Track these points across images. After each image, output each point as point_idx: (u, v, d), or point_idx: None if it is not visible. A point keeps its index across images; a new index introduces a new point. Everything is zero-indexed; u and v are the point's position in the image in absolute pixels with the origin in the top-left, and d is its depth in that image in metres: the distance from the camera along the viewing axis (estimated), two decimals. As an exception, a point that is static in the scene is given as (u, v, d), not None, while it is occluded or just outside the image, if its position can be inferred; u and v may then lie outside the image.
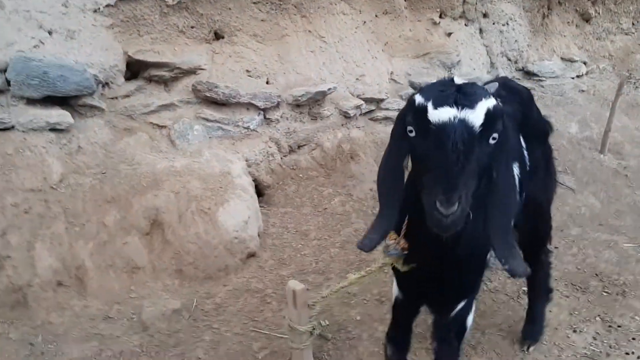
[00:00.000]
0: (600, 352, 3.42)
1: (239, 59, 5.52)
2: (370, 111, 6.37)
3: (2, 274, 3.64)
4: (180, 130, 4.95)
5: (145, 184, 4.36)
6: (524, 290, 3.88)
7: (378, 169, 2.24)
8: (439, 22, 7.30)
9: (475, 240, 2.13)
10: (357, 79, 6.33)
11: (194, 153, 4.87)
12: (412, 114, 1.85)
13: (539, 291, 3.45)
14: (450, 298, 2.43)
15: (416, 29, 7.10)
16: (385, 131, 6.32)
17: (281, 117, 5.65)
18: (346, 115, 6.04)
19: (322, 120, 5.90)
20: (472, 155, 1.72)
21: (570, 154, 6.67)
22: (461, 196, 1.68)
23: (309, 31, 6.08)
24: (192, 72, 5.21)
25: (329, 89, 5.82)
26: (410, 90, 6.49)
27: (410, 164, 2.02)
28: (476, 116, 1.73)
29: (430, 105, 1.76)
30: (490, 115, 1.76)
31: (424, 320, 3.27)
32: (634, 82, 8.93)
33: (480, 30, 7.94)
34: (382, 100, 6.35)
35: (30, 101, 4.23)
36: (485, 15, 7.89)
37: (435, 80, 1.97)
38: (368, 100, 6.26)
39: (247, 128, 5.36)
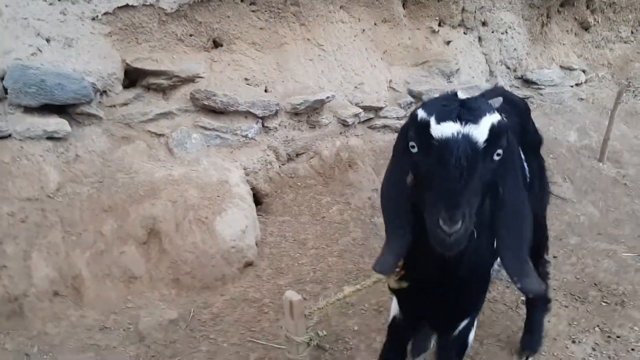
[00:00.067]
0: (600, 363, 3.41)
1: (238, 67, 5.52)
2: (369, 119, 6.36)
3: (-2, 284, 3.62)
4: (178, 138, 4.94)
5: (143, 192, 4.34)
6: (522, 300, 3.87)
7: (381, 185, 2.19)
8: (438, 31, 7.31)
9: (479, 258, 2.09)
10: (355, 87, 6.33)
11: (192, 162, 4.86)
12: (415, 128, 1.81)
13: (537, 301, 3.43)
14: (453, 317, 2.38)
15: (415, 37, 7.11)
16: (383, 139, 6.32)
17: (279, 125, 5.64)
18: (345, 124, 6.03)
19: (320, 128, 5.90)
20: (475, 171, 1.68)
21: (569, 163, 6.66)
22: (465, 214, 1.64)
23: (308, 39, 6.08)
24: (190, 80, 5.20)
25: (328, 98, 5.82)
26: (409, 99, 6.54)
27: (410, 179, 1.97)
28: (480, 132, 1.70)
29: (433, 120, 1.73)
30: (494, 130, 1.72)
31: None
32: (633, 91, 8.94)
33: (479, 39, 7.95)
34: (380, 108, 6.35)
35: (28, 109, 4.22)
36: (484, 24, 7.90)
37: (438, 95, 1.94)
38: (367, 109, 6.25)
39: (246, 136, 5.35)
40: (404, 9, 6.97)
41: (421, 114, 1.79)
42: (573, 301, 4.08)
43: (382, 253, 2.11)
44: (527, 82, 8.34)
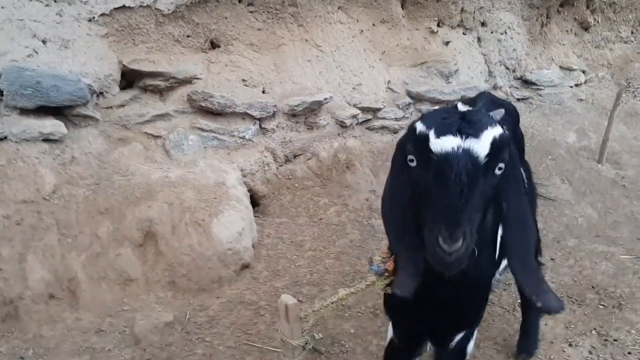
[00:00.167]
0: (596, 367, 3.40)
1: (235, 68, 5.50)
2: (367, 120, 6.35)
3: (-7, 287, 3.61)
4: (175, 140, 4.93)
5: (139, 194, 4.33)
6: (519, 302, 3.86)
7: (381, 201, 2.12)
8: (437, 31, 7.30)
9: (480, 274, 2.03)
10: (353, 88, 6.32)
11: (189, 163, 4.85)
12: (413, 142, 1.75)
13: (531, 305, 3.42)
14: (452, 331, 2.33)
15: (414, 37, 7.09)
16: (382, 140, 6.31)
17: (277, 126, 5.63)
18: (342, 125, 6.02)
19: (318, 129, 5.89)
20: (476, 187, 1.63)
21: (567, 164, 6.64)
22: (465, 232, 1.57)
23: (306, 40, 6.07)
24: (187, 81, 5.19)
25: (325, 99, 5.80)
26: (408, 100, 6.54)
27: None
28: (481, 146, 1.64)
29: (432, 134, 1.67)
30: (496, 144, 1.66)
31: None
32: (633, 91, 8.92)
33: (479, 39, 7.93)
34: (378, 109, 6.33)
35: (24, 111, 4.21)
36: (483, 24, 7.88)
37: (437, 107, 1.89)
38: (365, 110, 6.24)
39: (243, 138, 5.34)
40: (402, 9, 6.95)
41: (420, 127, 1.73)
42: (570, 304, 4.06)
43: (400, 274, 2.02)
44: (527, 83, 8.32)
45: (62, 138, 4.35)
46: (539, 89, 8.31)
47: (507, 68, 8.24)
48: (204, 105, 5.12)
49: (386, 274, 2.16)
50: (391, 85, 6.72)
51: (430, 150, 1.66)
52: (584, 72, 8.92)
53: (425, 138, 1.68)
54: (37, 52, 4.34)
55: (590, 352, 3.52)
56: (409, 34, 7.06)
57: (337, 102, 6.09)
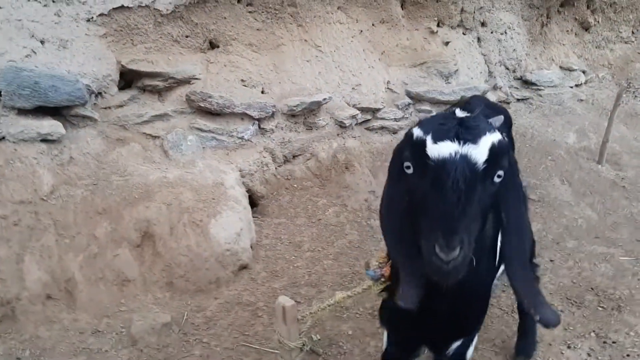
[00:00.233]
0: (595, 369, 3.39)
1: (234, 69, 5.49)
2: (366, 121, 6.33)
3: (-10, 287, 3.61)
4: (173, 140, 4.92)
5: (137, 195, 4.33)
6: (517, 304, 3.84)
7: (379, 210, 2.08)
8: (437, 31, 7.28)
9: (479, 282, 1.99)
10: (353, 88, 6.30)
11: (187, 164, 4.84)
12: (410, 148, 1.71)
13: None
14: (450, 339, 2.29)
15: (413, 38, 7.07)
16: (381, 141, 6.30)
17: (276, 127, 5.62)
18: (342, 125, 6.01)
19: (317, 130, 5.88)
20: (474, 195, 1.59)
21: (567, 165, 6.62)
22: (463, 240, 1.53)
23: (305, 40, 6.06)
24: (186, 81, 5.19)
25: (324, 99, 5.79)
26: (407, 100, 6.53)
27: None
28: (479, 152, 1.60)
29: (429, 139, 1.63)
30: (494, 151, 1.62)
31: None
32: (633, 92, 8.90)
33: (478, 39, 7.91)
34: (378, 109, 6.32)
35: (22, 111, 4.20)
36: (483, 24, 7.86)
37: (435, 113, 1.87)
38: (364, 110, 6.23)
39: (242, 138, 5.33)
40: (402, 9, 6.93)
41: (417, 132, 1.69)
42: (569, 306, 4.05)
43: (402, 286, 1.95)
44: (527, 83, 8.30)
45: (60, 138, 4.35)
46: (539, 89, 8.29)
47: (507, 68, 8.22)
48: (202, 105, 5.11)
49: (382, 279, 2.14)
50: (390, 86, 6.70)
51: (427, 156, 1.63)
52: (584, 72, 8.90)
53: (422, 144, 1.65)
54: (35, 53, 4.33)
55: (589, 355, 3.51)
56: (409, 34, 7.04)
57: (337, 103, 6.07)
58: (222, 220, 4.39)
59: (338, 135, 6.04)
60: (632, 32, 9.48)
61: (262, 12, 5.68)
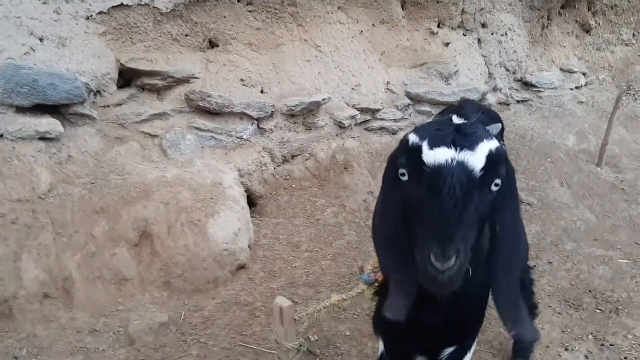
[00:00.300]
0: (592, 372, 3.39)
1: (234, 68, 5.48)
2: (366, 121, 6.33)
3: (-13, 286, 3.59)
4: (172, 139, 4.91)
5: (135, 194, 4.32)
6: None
7: (372, 220, 2.05)
8: (437, 32, 7.27)
9: (475, 293, 1.94)
10: (352, 88, 6.30)
11: (186, 163, 4.83)
12: (405, 154, 1.68)
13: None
14: (446, 347, 2.24)
15: (414, 38, 7.07)
16: (380, 141, 6.30)
17: (275, 126, 5.61)
18: (341, 125, 6.01)
19: (316, 130, 5.87)
20: (471, 202, 1.55)
21: (567, 167, 6.62)
22: (459, 249, 1.50)
23: (305, 40, 6.05)
24: (185, 80, 5.18)
25: (324, 99, 5.79)
26: (407, 101, 6.53)
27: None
28: (476, 159, 1.57)
29: (425, 145, 1.60)
30: (492, 158, 1.59)
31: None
32: (633, 94, 8.89)
33: (479, 40, 7.90)
34: (377, 110, 6.32)
35: (20, 109, 4.19)
36: (483, 25, 7.86)
37: (431, 120, 1.82)
38: (363, 110, 6.22)
39: (240, 138, 5.32)
40: (402, 10, 6.93)
41: (412, 138, 1.66)
42: (567, 308, 4.05)
43: (392, 298, 1.91)
44: (527, 85, 8.30)
45: (59, 136, 4.34)
46: (539, 91, 8.29)
47: (507, 70, 8.21)
48: (201, 104, 5.10)
49: (376, 283, 2.12)
50: (390, 86, 6.70)
51: (423, 162, 1.59)
52: (584, 74, 8.90)
53: (418, 149, 1.62)
54: (34, 50, 4.32)
55: (587, 357, 3.51)
56: (409, 35, 7.04)
57: (336, 103, 6.07)
58: (220, 220, 4.38)
59: (337, 135, 6.03)
60: (633, 35, 9.48)
61: (262, 11, 5.68)
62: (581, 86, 8.80)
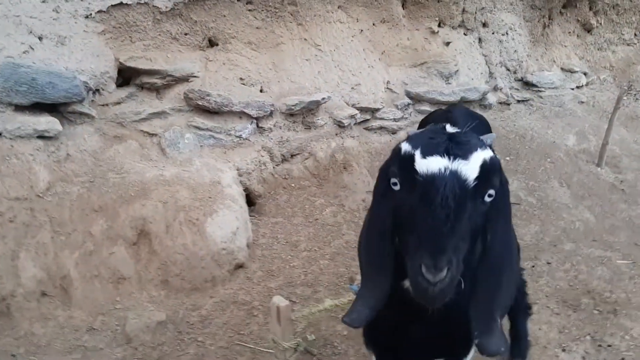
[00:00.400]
0: (589, 372, 3.38)
1: (233, 67, 5.49)
2: (365, 121, 6.33)
3: (-16, 284, 3.60)
4: (171, 138, 4.92)
5: (134, 193, 4.32)
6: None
7: (360, 232, 2.02)
8: (438, 31, 7.26)
9: (467, 308, 1.87)
10: (352, 88, 6.29)
11: (184, 162, 4.84)
12: (398, 163, 1.65)
13: (517, 310, 3.38)
14: (436, 358, 2.18)
15: (414, 37, 7.06)
16: (379, 141, 6.30)
17: (274, 126, 5.61)
18: (340, 125, 6.00)
19: (315, 129, 5.87)
20: (464, 213, 1.53)
21: (566, 167, 6.60)
22: (451, 261, 1.48)
23: (305, 39, 6.05)
24: (184, 79, 5.18)
25: (323, 99, 5.79)
26: (407, 100, 6.53)
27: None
28: (470, 168, 1.54)
29: (417, 154, 1.58)
30: (486, 168, 1.57)
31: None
32: (635, 94, 8.87)
33: (480, 40, 7.88)
34: (377, 109, 6.31)
35: (19, 108, 4.20)
36: (484, 25, 7.84)
37: (425, 129, 1.79)
38: (363, 110, 6.21)
39: (240, 137, 5.32)
40: (403, 9, 6.92)
41: (405, 147, 1.64)
42: (565, 308, 4.04)
43: (355, 303, 1.89)
44: (527, 85, 8.27)
45: (57, 135, 4.35)
46: (540, 91, 8.26)
47: (508, 69, 8.19)
48: (200, 103, 5.10)
49: None
50: (390, 86, 6.69)
51: (416, 171, 1.57)
52: (585, 74, 8.86)
53: (410, 158, 1.60)
54: (33, 49, 4.32)
55: (584, 358, 3.50)
56: (409, 34, 7.03)
57: (336, 102, 6.06)
58: (218, 219, 4.38)
59: (336, 134, 6.03)
60: (635, 34, 9.45)
61: (262, 10, 5.67)
62: (582, 86, 8.76)
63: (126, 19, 4.81)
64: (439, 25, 7.31)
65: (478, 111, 7.16)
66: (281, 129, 5.68)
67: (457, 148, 1.58)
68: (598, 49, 9.26)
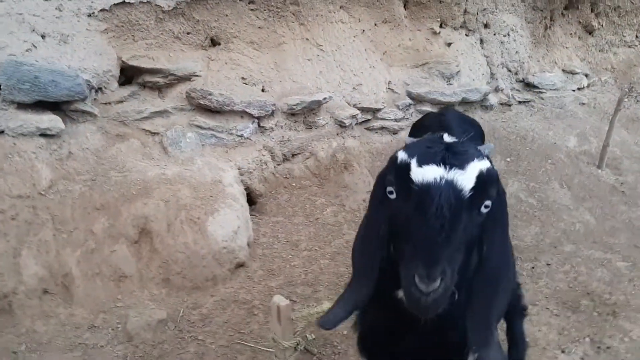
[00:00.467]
0: (588, 374, 3.39)
1: (235, 66, 5.50)
2: (367, 121, 6.34)
3: (-14, 281, 3.61)
4: (173, 137, 4.93)
5: (135, 191, 4.33)
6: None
7: (355, 238, 2.02)
8: (439, 32, 7.27)
9: (462, 320, 1.84)
10: (354, 88, 6.30)
11: (186, 161, 4.85)
12: (394, 172, 1.64)
13: (513, 313, 3.38)
14: None
15: (416, 38, 7.07)
16: (381, 141, 6.30)
17: (276, 125, 5.62)
18: (341, 125, 6.01)
19: (317, 129, 5.88)
20: (459, 223, 1.51)
21: (567, 168, 6.61)
22: (445, 271, 1.46)
23: (307, 39, 6.06)
24: (186, 78, 5.20)
25: (325, 98, 5.80)
26: (408, 100, 6.54)
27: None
28: (466, 178, 1.53)
29: (414, 163, 1.57)
30: (482, 179, 1.55)
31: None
32: (636, 96, 8.87)
33: (481, 41, 7.89)
34: (378, 110, 6.32)
35: (21, 106, 4.21)
36: (486, 26, 7.85)
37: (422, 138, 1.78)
38: (364, 110, 6.23)
39: (241, 136, 5.33)
40: (405, 9, 6.93)
41: (402, 155, 1.63)
42: (564, 310, 4.04)
43: (334, 305, 1.89)
44: (529, 86, 8.28)
45: (60, 133, 4.36)
46: (541, 92, 8.27)
47: (510, 70, 8.20)
48: (202, 102, 5.11)
49: None
50: (392, 86, 6.70)
51: (411, 179, 1.56)
52: (586, 75, 8.87)
53: (406, 167, 1.59)
54: (35, 47, 4.34)
55: (583, 359, 3.51)
56: (411, 35, 7.04)
57: (337, 102, 6.07)
58: (219, 218, 4.39)
59: (338, 134, 6.04)
60: (636, 36, 9.46)
61: (264, 10, 5.68)
62: (583, 87, 8.77)
63: (129, 17, 4.82)
64: (441, 26, 7.32)
65: (479, 112, 7.18)
66: (282, 128, 5.69)
67: (454, 158, 1.57)
68: (599, 51, 9.26)
